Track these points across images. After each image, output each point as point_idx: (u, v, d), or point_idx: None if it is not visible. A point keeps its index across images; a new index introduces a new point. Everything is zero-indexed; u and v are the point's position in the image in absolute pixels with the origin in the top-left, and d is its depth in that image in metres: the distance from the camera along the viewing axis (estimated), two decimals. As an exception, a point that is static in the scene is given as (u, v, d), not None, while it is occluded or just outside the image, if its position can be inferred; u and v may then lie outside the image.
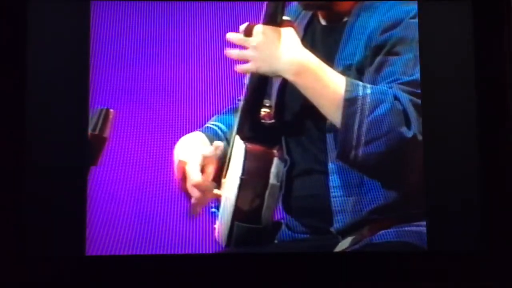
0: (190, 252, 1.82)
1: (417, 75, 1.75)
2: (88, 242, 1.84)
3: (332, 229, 1.75)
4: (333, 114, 1.67)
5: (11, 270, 1.83)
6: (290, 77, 1.68)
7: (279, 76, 1.71)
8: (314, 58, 1.68)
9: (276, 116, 1.80)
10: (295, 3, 1.85)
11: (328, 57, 1.73)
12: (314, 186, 1.76)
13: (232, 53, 1.74)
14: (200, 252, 1.82)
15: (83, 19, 1.93)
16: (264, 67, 1.70)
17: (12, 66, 1.90)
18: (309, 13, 1.83)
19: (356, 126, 1.66)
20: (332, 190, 1.74)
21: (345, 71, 1.72)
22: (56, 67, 1.90)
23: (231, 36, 1.73)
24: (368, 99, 1.66)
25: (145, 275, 1.87)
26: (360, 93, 1.66)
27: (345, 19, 1.77)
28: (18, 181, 1.85)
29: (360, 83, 1.69)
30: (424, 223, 1.80)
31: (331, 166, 1.74)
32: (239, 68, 1.73)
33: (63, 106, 1.89)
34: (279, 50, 1.67)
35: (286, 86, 1.78)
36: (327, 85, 1.67)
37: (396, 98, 1.69)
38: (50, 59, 1.91)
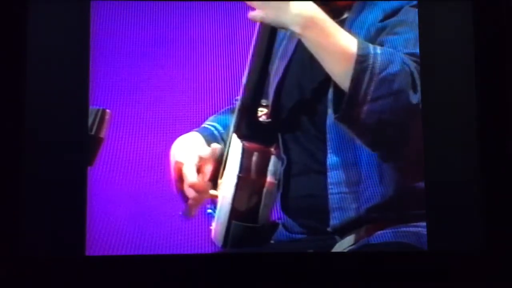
0: (189, 252, 1.82)
1: (417, 51, 1.75)
2: (88, 242, 1.84)
3: (328, 228, 1.74)
4: (341, 71, 1.64)
5: (11, 270, 1.83)
6: (297, 29, 1.64)
7: (286, 29, 1.68)
8: (323, 14, 1.65)
9: (273, 115, 1.80)
10: None
11: None
12: (311, 185, 1.76)
13: None
14: (199, 252, 1.82)
15: (83, 19, 1.93)
16: (271, 16, 1.66)
17: (12, 66, 1.90)
18: None
19: (365, 83, 1.63)
20: (330, 187, 1.73)
21: None
22: (56, 67, 1.90)
23: None
24: (379, 58, 1.64)
25: (145, 275, 1.87)
26: (372, 51, 1.64)
27: (346, 15, 1.77)
28: (18, 181, 1.85)
29: (370, 44, 1.67)
30: (422, 224, 1.79)
31: (329, 162, 1.74)
32: (250, 14, 1.70)
33: (63, 105, 1.89)
34: (287, 2, 1.65)
35: (283, 86, 1.78)
36: (337, 40, 1.64)
37: (403, 62, 1.68)
38: (50, 59, 1.91)
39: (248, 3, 1.70)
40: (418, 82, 1.70)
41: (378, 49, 1.66)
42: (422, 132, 1.84)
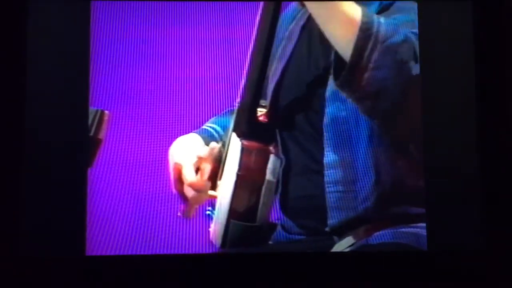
0: (188, 252, 1.82)
1: (416, 31, 1.77)
2: (88, 242, 1.84)
3: (326, 228, 1.74)
4: (344, 38, 1.64)
5: (11, 270, 1.83)
6: None
7: None
8: None
9: (271, 116, 1.80)
10: (294, 3, 1.85)
11: (326, 54, 1.73)
12: (310, 186, 1.76)
13: None
14: (198, 252, 1.82)
15: (83, 19, 1.93)
16: None
17: (12, 66, 1.90)
18: (307, 13, 1.82)
19: (368, 50, 1.64)
20: (328, 186, 1.73)
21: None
22: (56, 67, 1.90)
23: None
24: (383, 27, 1.65)
25: (145, 275, 1.87)
26: (375, 20, 1.65)
27: None
28: (18, 181, 1.85)
29: (374, 13, 1.69)
30: (421, 224, 1.79)
31: (326, 161, 1.74)
32: None
33: (63, 106, 1.89)
34: None
35: (282, 86, 1.79)
36: (342, 7, 1.65)
37: (406, 34, 1.70)
38: (50, 59, 1.91)
39: None
40: (418, 54, 1.73)
41: (382, 19, 1.67)
42: (421, 112, 1.85)
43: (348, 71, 1.64)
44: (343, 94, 1.69)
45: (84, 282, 1.86)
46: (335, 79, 1.68)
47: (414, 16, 1.81)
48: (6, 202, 1.85)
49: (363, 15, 1.64)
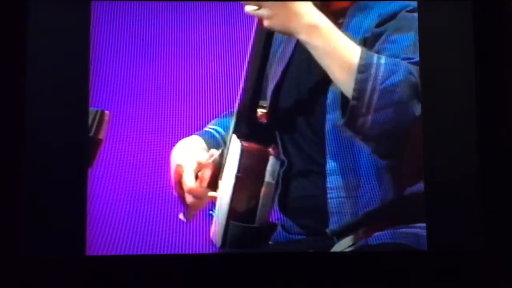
0: (189, 252, 1.82)
1: (417, 57, 1.75)
2: (88, 242, 1.84)
3: (327, 231, 1.74)
4: (344, 79, 1.65)
5: (11, 270, 1.83)
6: (302, 37, 1.66)
7: (292, 36, 1.70)
8: (328, 22, 1.67)
9: (271, 117, 1.81)
10: None
11: None
12: (310, 186, 1.76)
13: (248, 9, 1.72)
14: (198, 252, 1.82)
15: (83, 19, 1.93)
16: (278, 25, 1.69)
17: (12, 66, 1.90)
18: None
19: (368, 93, 1.64)
20: (329, 192, 1.73)
21: None
22: (56, 68, 1.90)
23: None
24: (382, 68, 1.65)
25: (144, 275, 1.87)
26: (375, 61, 1.65)
27: (340, 20, 1.76)
28: (18, 182, 1.85)
29: (375, 53, 1.68)
30: (421, 225, 1.79)
31: (328, 167, 1.74)
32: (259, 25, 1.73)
33: (63, 106, 1.89)
34: (292, 10, 1.67)
35: (282, 88, 1.79)
36: (341, 49, 1.66)
37: (409, 71, 1.69)
38: (50, 59, 1.90)
39: (255, 13, 1.71)
40: (420, 91, 1.72)
41: (383, 59, 1.66)
42: (422, 133, 1.85)
43: (351, 114, 1.65)
44: (348, 134, 1.69)
45: (84, 282, 1.86)
46: (342, 116, 1.68)
47: (415, 34, 1.77)
48: (6, 202, 1.85)
49: (361, 57, 1.64)
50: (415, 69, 1.71)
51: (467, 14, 1.96)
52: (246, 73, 1.76)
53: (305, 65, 1.75)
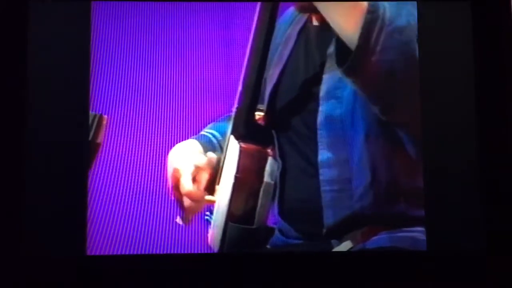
0: (188, 252, 1.82)
1: (415, 12, 1.81)
2: (88, 242, 1.84)
3: (323, 229, 1.74)
4: (350, 22, 1.67)
5: (11, 270, 1.83)
6: None
7: None
8: None
9: (269, 119, 1.81)
10: (290, 9, 1.86)
11: (322, 58, 1.75)
12: (307, 190, 1.76)
13: None
14: (198, 251, 1.82)
15: (83, 20, 1.93)
16: None
17: (12, 67, 1.90)
18: (304, 18, 1.83)
19: (375, 33, 1.66)
20: (323, 185, 1.73)
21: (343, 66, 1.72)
22: (57, 68, 1.91)
23: None
24: (387, 11, 1.68)
25: (144, 275, 1.87)
26: (381, 4, 1.68)
27: None
28: (18, 182, 1.86)
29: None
30: (419, 228, 1.79)
31: (320, 159, 1.74)
32: None
33: (63, 107, 1.89)
34: None
35: (278, 91, 1.80)
36: None
37: (408, 19, 1.73)
38: (50, 60, 1.91)
39: None
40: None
41: (386, 3, 1.69)
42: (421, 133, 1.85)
43: (356, 55, 1.66)
44: (348, 79, 1.70)
45: (84, 282, 1.86)
46: (340, 66, 1.68)
47: (413, 18, 1.80)
48: (6, 202, 1.85)
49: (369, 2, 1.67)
50: (412, 17, 1.76)
51: (466, 14, 1.96)
52: (244, 76, 1.77)
53: (301, 67, 1.76)
